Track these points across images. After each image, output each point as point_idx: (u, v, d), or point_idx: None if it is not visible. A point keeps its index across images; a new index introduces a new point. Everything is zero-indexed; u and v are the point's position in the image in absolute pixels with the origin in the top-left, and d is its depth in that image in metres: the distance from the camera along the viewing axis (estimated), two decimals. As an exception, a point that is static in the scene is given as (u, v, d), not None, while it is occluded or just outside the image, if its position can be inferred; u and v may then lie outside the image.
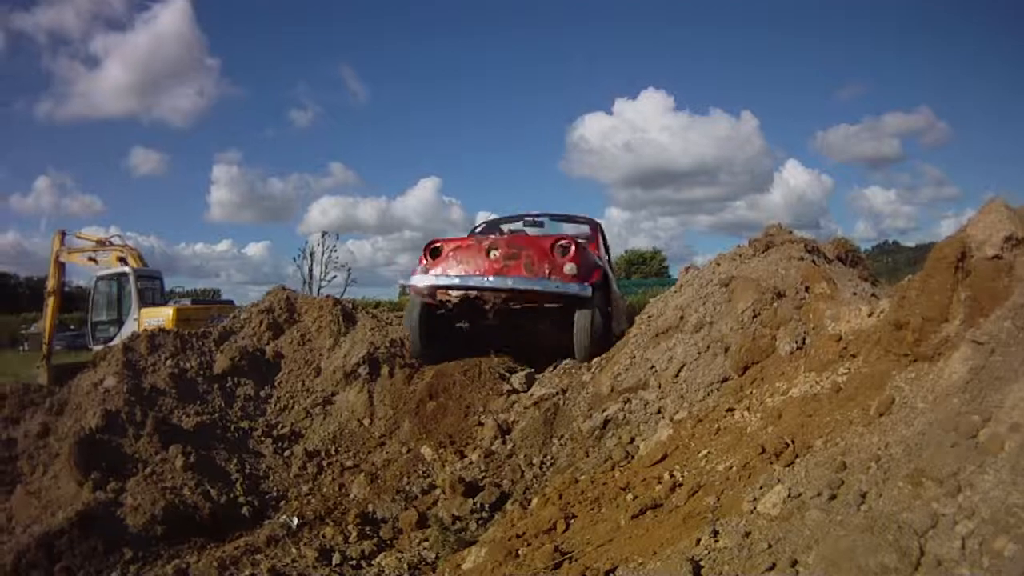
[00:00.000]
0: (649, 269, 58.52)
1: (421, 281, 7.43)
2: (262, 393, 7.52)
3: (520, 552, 3.79)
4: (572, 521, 3.94)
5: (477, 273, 7.20)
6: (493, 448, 6.04)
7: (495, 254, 7.26)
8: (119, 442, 6.10)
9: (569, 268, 7.05)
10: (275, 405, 7.40)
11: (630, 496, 3.90)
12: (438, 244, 7.63)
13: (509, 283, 7.06)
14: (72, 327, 28.30)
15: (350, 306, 9.22)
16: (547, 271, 7.06)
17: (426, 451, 6.21)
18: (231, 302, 17.64)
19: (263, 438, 6.79)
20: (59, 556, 4.84)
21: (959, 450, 2.39)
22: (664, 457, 4.31)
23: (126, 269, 15.46)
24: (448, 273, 7.32)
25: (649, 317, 6.97)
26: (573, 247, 7.19)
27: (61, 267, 16.23)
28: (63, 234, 16.26)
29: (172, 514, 5.31)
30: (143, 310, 14.97)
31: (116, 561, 4.90)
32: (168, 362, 7.40)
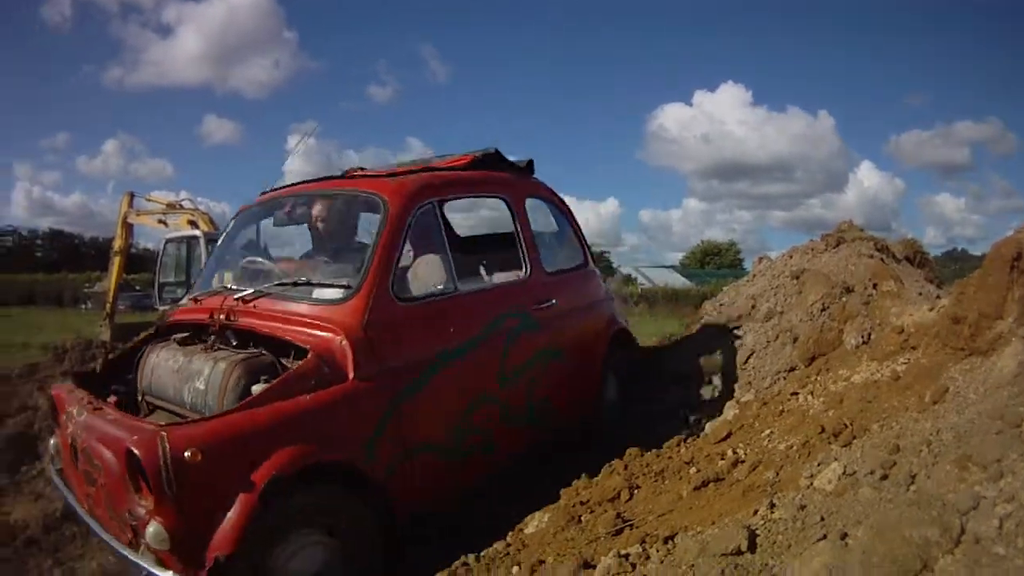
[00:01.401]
0: (723, 260, 58.57)
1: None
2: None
3: (583, 518, 3.97)
4: (636, 491, 4.15)
5: (78, 496, 3.99)
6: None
7: (80, 463, 3.79)
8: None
9: (154, 534, 3.06)
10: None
11: (693, 470, 4.14)
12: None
13: (98, 531, 3.60)
14: (138, 288, 29.15)
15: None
16: (128, 528, 3.30)
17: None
18: (304, 268, 17.87)
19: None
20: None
21: (1004, 438, 2.60)
22: (729, 435, 4.55)
23: (196, 232, 15.60)
24: (60, 480, 4.30)
25: (721, 305, 7.12)
26: (161, 474, 3.01)
27: (129, 228, 16.51)
28: (132, 196, 16.62)
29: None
30: (213, 273, 15.03)
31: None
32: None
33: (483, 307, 4.80)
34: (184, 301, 5.01)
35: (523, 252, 5.26)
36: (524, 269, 5.25)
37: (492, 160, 5.51)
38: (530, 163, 5.83)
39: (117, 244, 16.49)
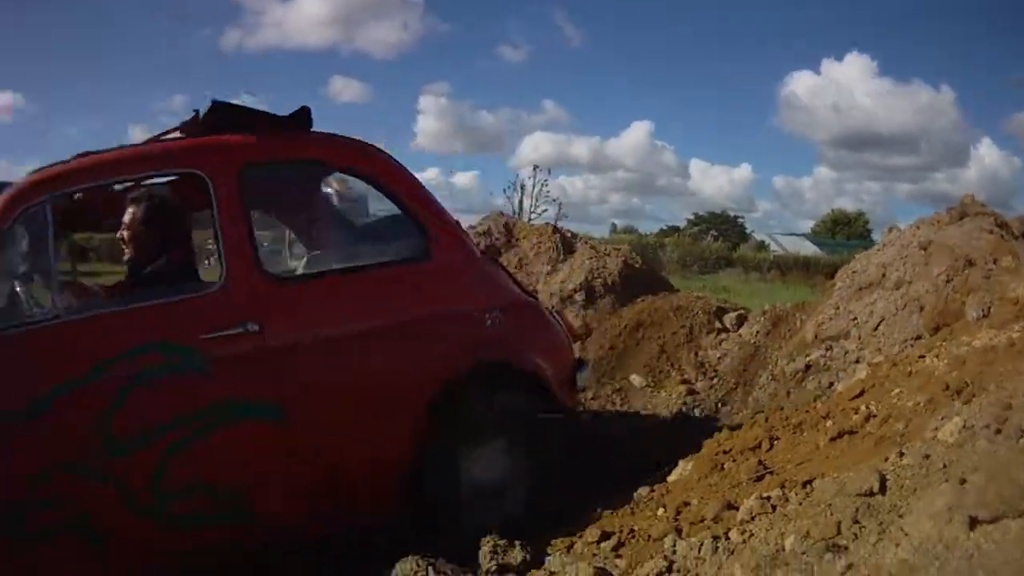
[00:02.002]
0: (852, 231, 57.56)
1: None
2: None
3: (725, 466, 4.38)
4: (776, 442, 4.54)
5: None
6: (697, 382, 6.78)
7: None
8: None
9: None
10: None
11: (829, 423, 4.53)
12: None
13: None
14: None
15: (569, 235, 9.65)
16: None
17: (634, 379, 7.02)
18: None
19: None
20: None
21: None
22: (861, 393, 4.87)
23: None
24: None
25: (853, 272, 7.33)
26: None
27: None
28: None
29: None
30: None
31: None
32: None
33: (80, 346, 3.41)
34: None
35: (220, 251, 3.68)
36: (218, 277, 3.73)
37: (213, 121, 3.89)
38: (300, 112, 4.07)
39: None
